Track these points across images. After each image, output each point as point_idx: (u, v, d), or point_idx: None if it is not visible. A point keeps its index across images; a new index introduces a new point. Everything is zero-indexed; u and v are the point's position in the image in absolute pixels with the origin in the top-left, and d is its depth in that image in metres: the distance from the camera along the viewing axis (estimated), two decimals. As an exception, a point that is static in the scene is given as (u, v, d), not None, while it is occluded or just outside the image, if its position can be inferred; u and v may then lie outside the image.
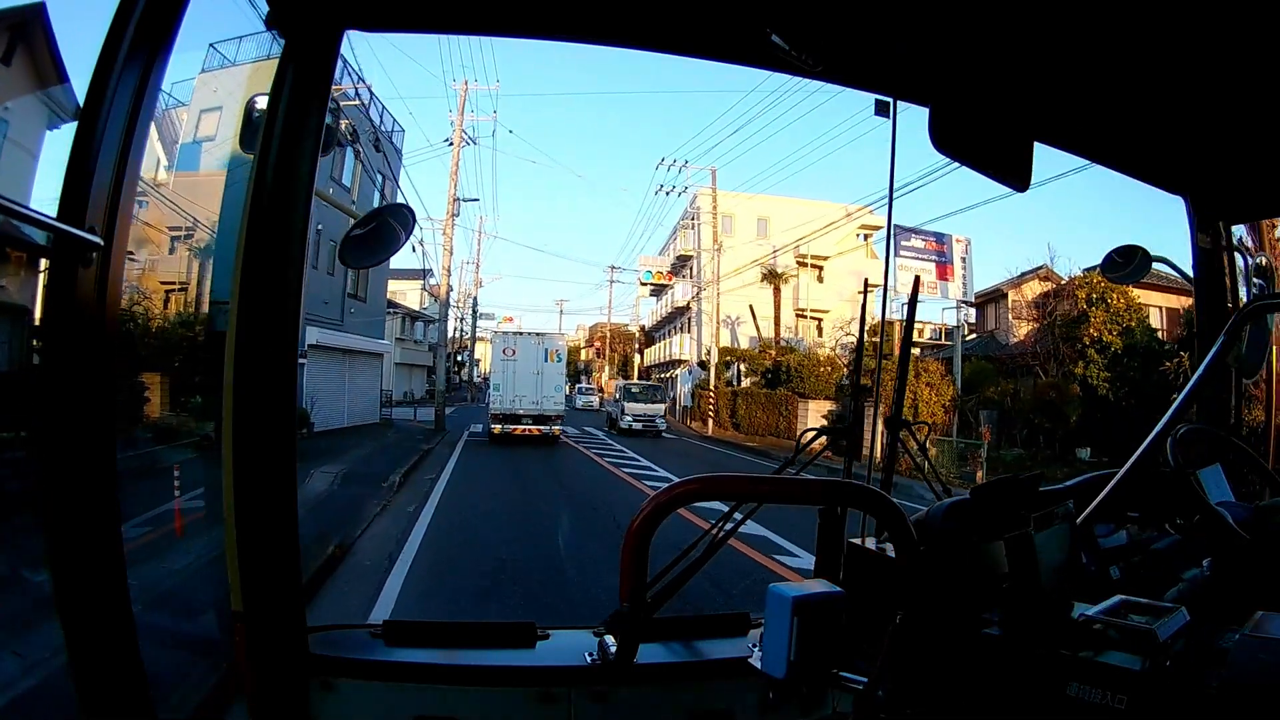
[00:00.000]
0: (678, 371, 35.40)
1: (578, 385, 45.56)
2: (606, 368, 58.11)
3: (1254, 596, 1.04)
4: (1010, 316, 22.46)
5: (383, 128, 20.16)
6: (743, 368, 27.87)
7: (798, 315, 29.80)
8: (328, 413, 17.71)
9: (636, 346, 49.01)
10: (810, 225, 24.46)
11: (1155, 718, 0.88)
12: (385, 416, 23.83)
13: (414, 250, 17.56)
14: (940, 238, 19.54)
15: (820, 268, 29.68)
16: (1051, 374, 16.49)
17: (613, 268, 53.29)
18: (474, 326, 47.02)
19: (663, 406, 24.25)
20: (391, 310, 35.17)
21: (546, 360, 19.24)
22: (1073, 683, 0.93)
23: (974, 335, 22.68)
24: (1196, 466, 1.47)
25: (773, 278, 28.61)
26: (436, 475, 12.34)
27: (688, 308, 34.57)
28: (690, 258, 33.27)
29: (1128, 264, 2.14)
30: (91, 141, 0.99)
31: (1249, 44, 1.24)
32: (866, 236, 30.26)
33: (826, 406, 21.13)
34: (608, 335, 56.88)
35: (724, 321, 29.17)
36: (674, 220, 38.22)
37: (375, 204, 19.60)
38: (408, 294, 39.78)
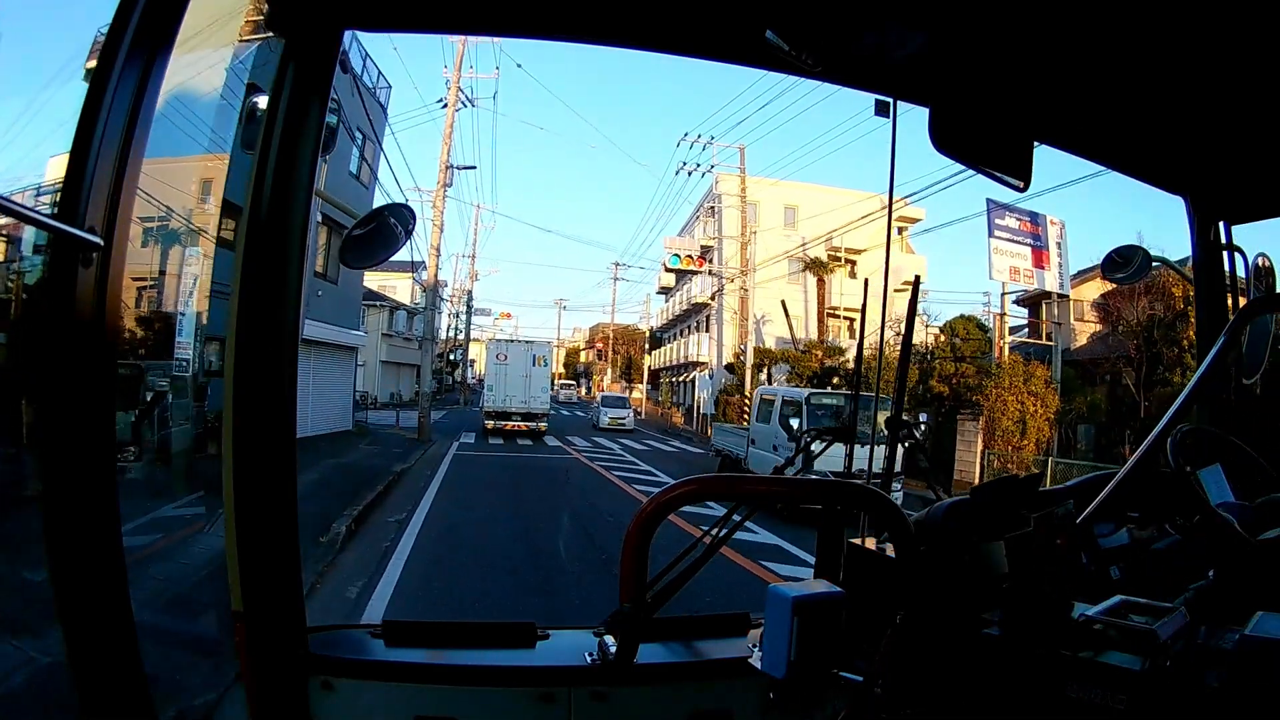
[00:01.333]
0: (695, 375, 31.84)
1: (602, 395, 34.09)
2: (609, 370, 55.46)
3: (1254, 597, 1.04)
4: (1072, 318, 19.18)
5: (364, 79, 16.61)
6: (772, 371, 23.93)
7: (829, 314, 26.23)
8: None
9: (645, 347, 45.05)
10: (842, 215, 21.71)
11: (1155, 718, 0.88)
12: (360, 422, 20.29)
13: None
14: (1035, 218, 16.57)
15: (854, 262, 26.77)
16: (1136, 382, 14.07)
17: (617, 264, 50.84)
18: (468, 324, 44.13)
19: None
20: (378, 304, 32.48)
21: (534, 365, 22.19)
22: (1073, 683, 0.93)
23: (1019, 336, 19.75)
24: (1196, 466, 1.47)
25: (816, 268, 25.37)
26: (406, 517, 8.71)
27: (707, 304, 30.95)
28: (710, 248, 29.61)
29: (1128, 264, 2.14)
30: (91, 141, 0.99)
31: (1249, 44, 1.24)
32: (902, 229, 26.88)
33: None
34: (611, 336, 54.47)
35: (748, 319, 26.19)
36: (691, 209, 34.65)
37: (352, 167, 17.52)
38: (397, 288, 37.18)
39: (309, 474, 10.19)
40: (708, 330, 31.84)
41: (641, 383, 45.04)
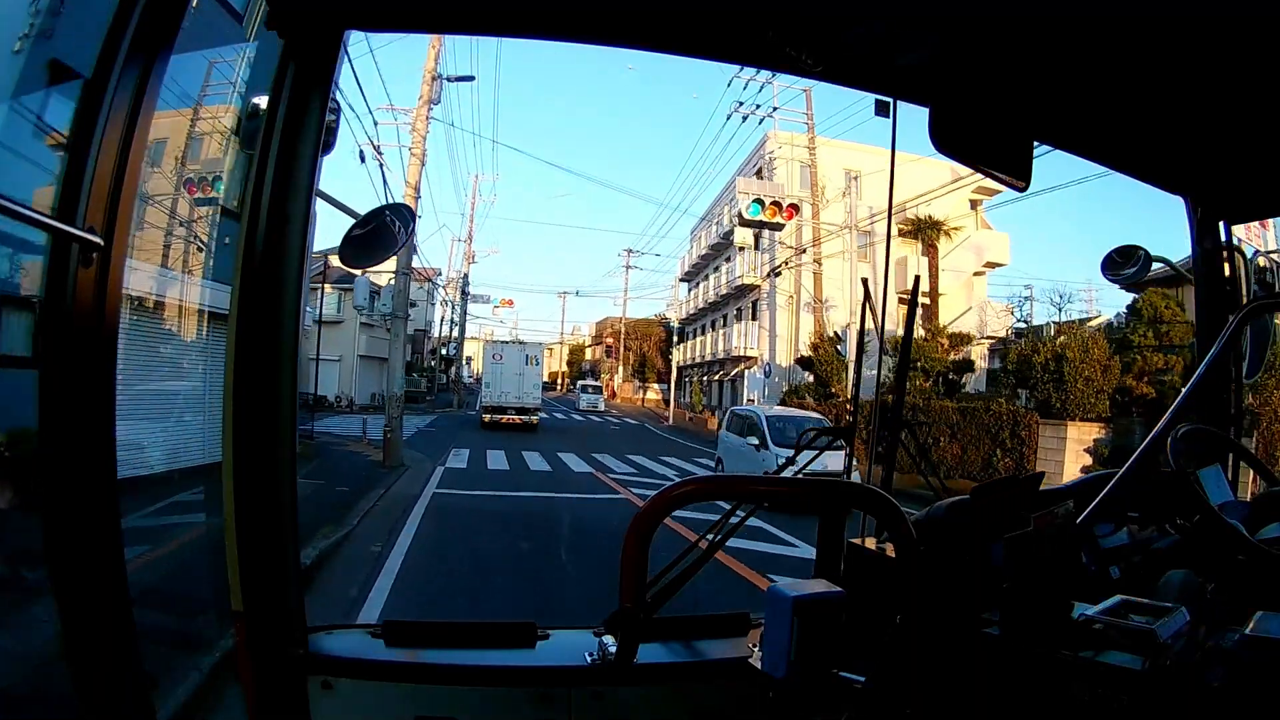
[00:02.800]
0: (742, 371, 26.59)
1: (762, 413, 12.92)
2: (620, 368, 49.81)
3: (1254, 597, 1.04)
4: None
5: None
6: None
7: (900, 299, 19.42)
8: (174, 435, 5.83)
9: (673, 339, 36.55)
10: (912, 183, 17.55)
11: (1155, 718, 0.88)
12: (307, 436, 13.65)
13: (362, 162, 11.49)
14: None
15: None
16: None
17: (629, 251, 45.14)
18: (463, 314, 39.23)
19: None
20: (350, 286, 28.75)
21: (527, 364, 24.67)
22: (1073, 683, 0.94)
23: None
24: (1196, 466, 1.47)
25: (930, 231, 20.17)
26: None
27: (755, 286, 26.00)
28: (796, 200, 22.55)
29: (1128, 264, 2.14)
30: (91, 141, 0.99)
31: (1250, 44, 1.24)
32: (975, 204, 23.14)
33: (1093, 432, 12.41)
34: (623, 331, 48.21)
35: (805, 306, 22.23)
36: (733, 171, 28.23)
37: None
38: (385, 277, 34.37)
39: (165, 550, 4.27)
40: (755, 318, 26.54)
41: (658, 382, 40.78)
